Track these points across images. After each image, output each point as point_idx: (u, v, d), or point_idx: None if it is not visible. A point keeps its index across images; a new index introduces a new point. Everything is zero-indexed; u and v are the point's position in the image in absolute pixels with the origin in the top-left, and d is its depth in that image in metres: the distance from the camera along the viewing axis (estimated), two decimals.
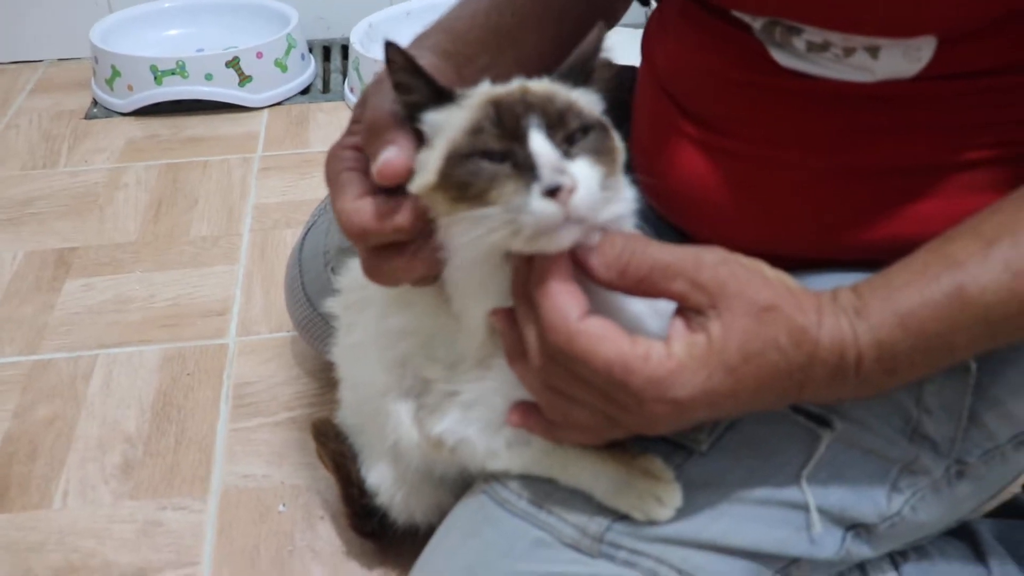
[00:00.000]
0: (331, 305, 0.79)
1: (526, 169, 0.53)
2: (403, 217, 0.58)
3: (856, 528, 0.67)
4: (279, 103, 1.92)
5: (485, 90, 0.59)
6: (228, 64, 1.84)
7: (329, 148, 0.66)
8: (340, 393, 0.87)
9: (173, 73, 1.82)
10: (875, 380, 0.56)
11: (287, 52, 1.91)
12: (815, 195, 0.70)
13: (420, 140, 0.59)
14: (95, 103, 1.92)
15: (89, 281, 1.39)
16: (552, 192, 0.51)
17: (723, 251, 0.56)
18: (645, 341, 0.54)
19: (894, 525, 0.68)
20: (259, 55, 1.86)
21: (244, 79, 1.86)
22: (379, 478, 0.83)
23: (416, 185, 0.57)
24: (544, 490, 0.66)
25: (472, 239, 0.55)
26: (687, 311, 0.56)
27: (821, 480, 0.66)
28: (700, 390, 0.53)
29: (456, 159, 0.55)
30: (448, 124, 0.57)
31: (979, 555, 0.83)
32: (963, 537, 0.84)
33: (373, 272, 0.62)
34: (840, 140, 0.68)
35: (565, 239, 0.53)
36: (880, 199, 0.69)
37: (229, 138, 1.80)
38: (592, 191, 0.53)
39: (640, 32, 0.87)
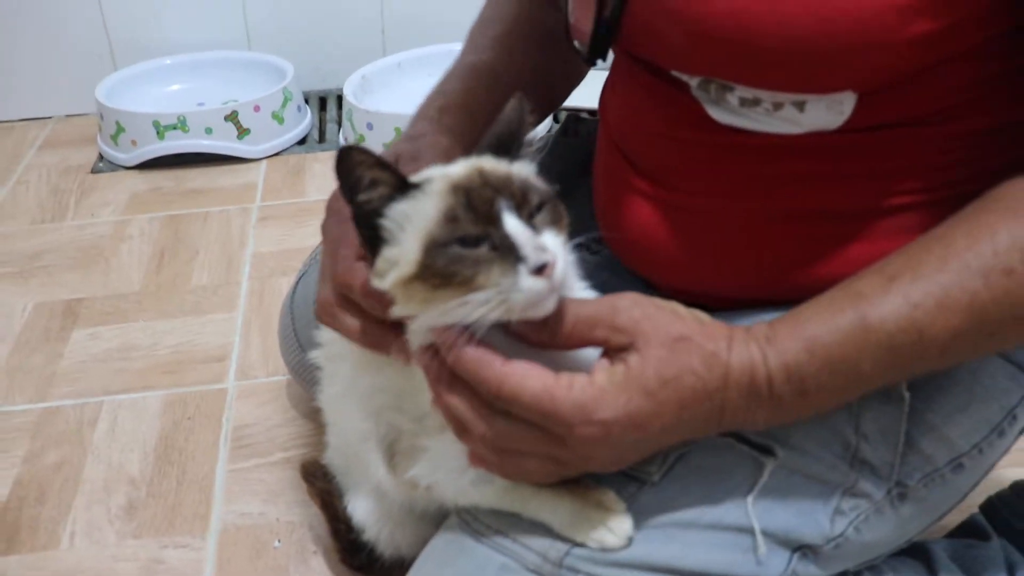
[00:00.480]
0: (315, 356, 0.84)
1: (506, 250, 0.58)
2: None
3: (802, 549, 0.72)
4: (276, 154, 2.00)
5: (441, 175, 0.63)
6: (227, 118, 1.92)
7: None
8: (327, 436, 0.92)
9: (175, 128, 1.89)
10: (789, 401, 0.62)
11: (283, 104, 1.98)
12: (754, 241, 0.76)
13: (374, 242, 0.63)
14: (101, 158, 2.00)
15: (95, 330, 1.45)
16: (539, 270, 0.57)
17: (636, 295, 0.63)
18: (568, 375, 0.60)
19: (839, 546, 0.73)
20: (256, 108, 1.94)
21: (242, 132, 1.94)
22: (365, 515, 0.89)
23: (390, 280, 0.61)
24: (510, 520, 0.71)
25: (459, 319, 0.59)
26: (610, 351, 0.62)
27: (766, 505, 0.70)
28: (623, 411, 0.59)
29: (435, 248, 0.58)
30: (416, 214, 0.60)
31: (932, 574, 0.88)
32: (917, 556, 0.89)
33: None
34: (774, 189, 0.74)
35: (550, 306, 0.60)
36: (813, 243, 0.75)
37: (228, 189, 1.87)
38: (565, 260, 0.60)
39: None
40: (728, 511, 0.70)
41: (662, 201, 0.79)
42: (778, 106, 0.70)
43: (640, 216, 0.81)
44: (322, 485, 0.99)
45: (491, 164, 0.64)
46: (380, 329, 0.69)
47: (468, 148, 0.80)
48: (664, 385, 0.60)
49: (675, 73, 0.74)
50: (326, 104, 2.22)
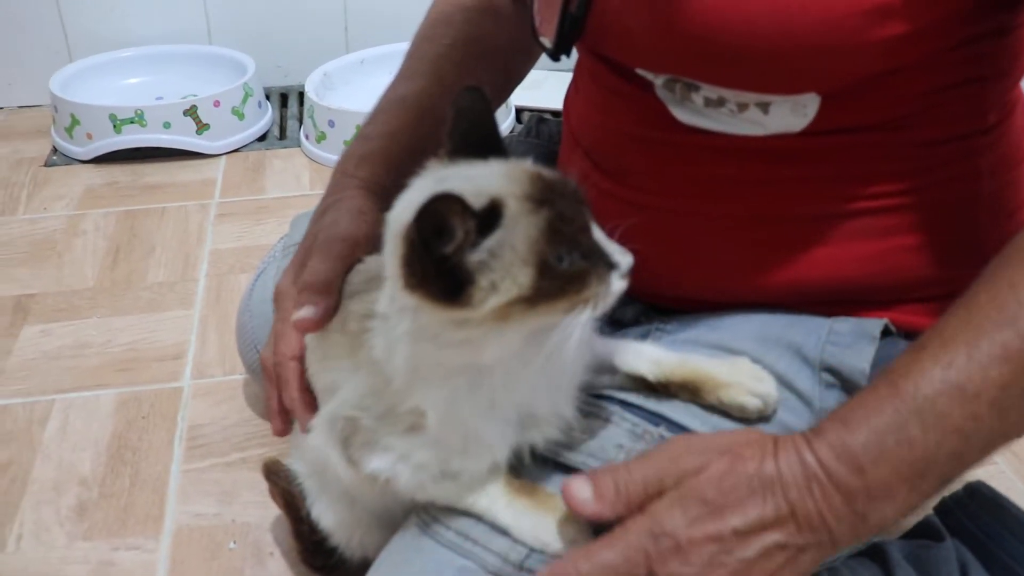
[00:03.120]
0: None
1: (596, 258, 0.60)
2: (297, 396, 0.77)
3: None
4: (236, 150, 1.97)
5: (513, 197, 0.59)
6: (186, 112, 1.89)
7: (282, 282, 0.81)
8: (292, 439, 0.91)
9: (132, 122, 1.86)
10: (852, 483, 0.58)
11: (244, 100, 1.96)
12: (718, 242, 0.76)
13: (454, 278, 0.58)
14: (55, 151, 1.96)
15: (47, 327, 1.42)
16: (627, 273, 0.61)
17: (684, 440, 0.65)
18: None
19: None
20: (216, 103, 1.91)
21: (202, 127, 1.91)
22: (332, 521, 0.87)
23: (487, 307, 0.58)
24: (470, 521, 0.70)
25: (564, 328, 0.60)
26: None
27: None
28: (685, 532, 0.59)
29: (547, 268, 0.58)
30: (512, 241, 0.58)
31: (888, 574, 0.88)
32: (874, 557, 0.90)
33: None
34: (736, 191, 0.74)
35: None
36: (777, 246, 0.75)
37: (187, 185, 1.84)
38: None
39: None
40: None
41: (625, 200, 0.79)
42: (743, 107, 0.70)
43: (602, 215, 0.80)
44: (284, 485, 0.97)
45: (521, 166, 0.63)
46: (283, 412, 0.80)
47: (385, 198, 0.79)
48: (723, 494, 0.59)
49: (640, 72, 0.74)
50: (287, 101, 2.19)
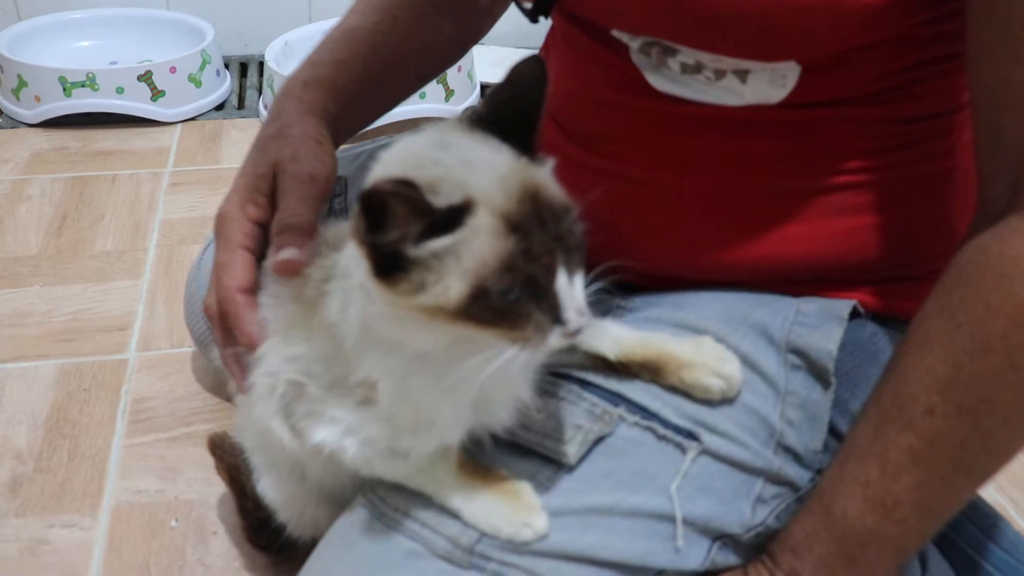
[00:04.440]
0: None
1: (547, 306, 0.54)
2: (253, 330, 0.68)
3: (723, 538, 0.70)
4: (193, 118, 1.91)
5: (488, 206, 0.53)
6: (140, 78, 1.82)
7: (227, 207, 0.73)
8: (236, 414, 0.87)
9: (83, 85, 1.79)
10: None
11: (202, 67, 1.90)
12: (687, 216, 0.73)
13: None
14: (0, 113, 1.89)
15: None
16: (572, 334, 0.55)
17: None
18: None
19: (759, 535, 0.71)
20: (172, 70, 1.85)
21: (157, 93, 1.85)
22: (279, 497, 0.83)
23: (411, 304, 0.54)
24: (420, 502, 0.67)
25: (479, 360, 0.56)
26: None
27: (688, 492, 0.68)
28: None
29: (483, 294, 0.53)
30: (462, 251, 0.53)
31: None
32: None
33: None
34: (710, 163, 0.72)
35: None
36: (749, 221, 0.73)
37: (140, 152, 1.79)
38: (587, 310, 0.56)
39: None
40: (649, 498, 0.67)
41: (594, 168, 0.76)
42: (720, 74, 0.67)
43: (572, 186, 0.78)
44: (230, 460, 0.94)
45: (542, 187, 0.55)
46: (238, 362, 0.70)
47: (333, 128, 0.78)
48: None
49: (616, 34, 0.71)
50: (247, 70, 2.14)
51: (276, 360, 0.68)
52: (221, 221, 0.74)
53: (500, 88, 0.59)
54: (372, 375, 0.62)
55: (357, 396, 0.64)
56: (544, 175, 0.57)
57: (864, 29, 0.64)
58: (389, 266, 0.54)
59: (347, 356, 0.63)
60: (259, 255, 0.72)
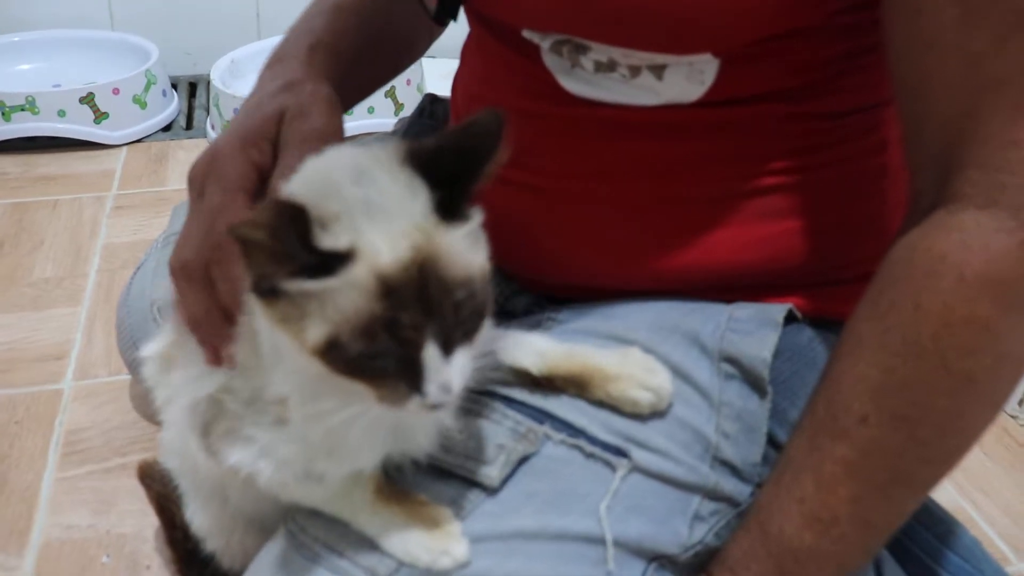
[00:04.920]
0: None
1: (410, 373, 0.51)
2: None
3: (659, 559, 0.67)
4: (139, 140, 1.88)
5: (369, 263, 0.49)
6: (82, 100, 1.78)
7: (223, 147, 0.65)
8: (161, 435, 0.84)
9: (23, 109, 1.75)
10: None
11: (147, 88, 1.86)
12: (609, 226, 0.71)
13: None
14: None
15: None
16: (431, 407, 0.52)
17: None
18: None
19: (698, 555, 0.68)
20: (116, 91, 1.81)
21: (100, 115, 1.81)
22: (205, 523, 0.80)
23: (276, 329, 0.51)
24: (338, 530, 0.64)
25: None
26: None
27: (619, 513, 0.65)
28: None
29: (338, 347, 0.50)
30: (329, 299, 0.49)
31: None
32: None
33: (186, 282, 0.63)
34: (628, 170, 0.69)
35: None
36: (672, 228, 0.70)
37: (83, 176, 1.75)
38: (462, 384, 0.52)
39: None
40: (577, 519, 0.64)
41: (515, 182, 0.73)
42: (635, 71, 0.65)
43: (491, 199, 0.75)
44: (160, 488, 0.90)
45: (433, 239, 0.51)
46: (221, 319, 0.61)
47: (338, 94, 0.72)
48: None
49: (527, 34, 0.68)
50: (196, 91, 2.10)
51: (197, 375, 0.65)
52: (214, 160, 0.65)
53: (454, 133, 0.54)
54: (283, 391, 0.59)
55: (272, 414, 0.61)
56: (452, 241, 0.52)
57: (778, 17, 0.61)
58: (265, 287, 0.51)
59: (264, 367, 0.59)
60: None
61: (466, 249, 0.52)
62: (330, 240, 0.49)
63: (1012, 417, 1.21)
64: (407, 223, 0.50)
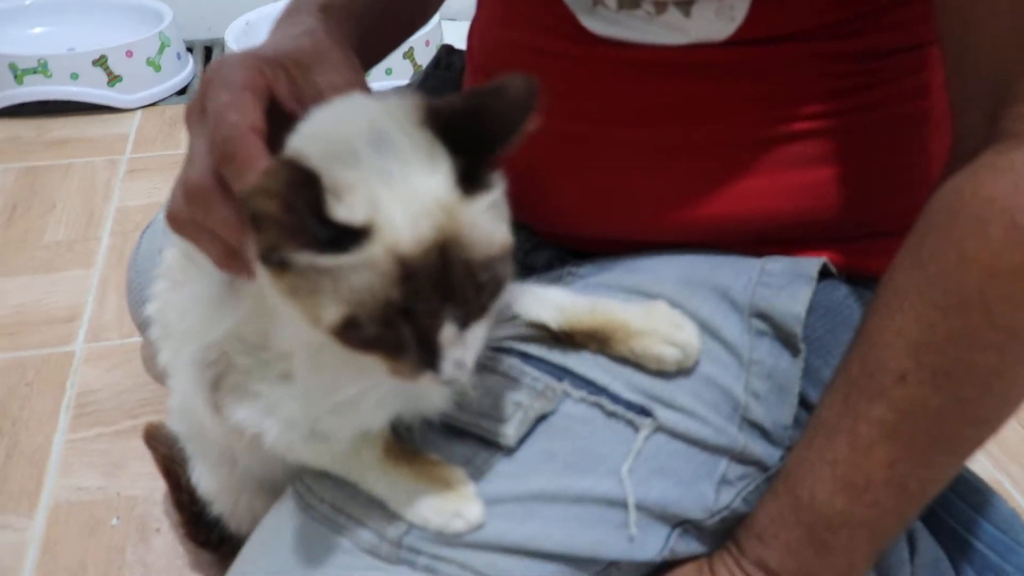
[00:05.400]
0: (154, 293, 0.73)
1: (425, 349, 0.48)
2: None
3: (684, 525, 0.64)
4: (153, 104, 1.85)
5: (387, 242, 0.45)
6: (95, 63, 1.76)
7: (232, 58, 0.58)
8: (169, 400, 0.81)
9: (35, 72, 1.73)
10: None
11: (160, 51, 1.84)
12: (634, 174, 0.68)
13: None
14: None
15: None
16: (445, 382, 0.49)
17: None
18: None
19: (724, 520, 0.65)
20: (129, 54, 1.79)
21: (113, 79, 1.78)
22: (212, 486, 0.78)
23: (283, 301, 0.49)
24: (346, 491, 0.61)
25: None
26: None
27: (642, 475, 0.62)
28: None
29: (354, 325, 0.47)
30: (344, 277, 0.46)
31: None
32: None
33: (185, 206, 0.55)
34: (654, 114, 0.66)
35: None
36: (700, 176, 0.67)
37: (96, 140, 1.73)
38: (474, 358, 0.50)
39: None
40: (598, 481, 0.61)
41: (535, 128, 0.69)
42: (661, 7, 0.61)
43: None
44: (165, 451, 0.89)
45: (455, 216, 0.47)
46: (242, 230, 0.52)
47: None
48: None
49: None
50: (211, 54, 2.07)
51: (207, 328, 0.62)
52: (217, 70, 0.58)
53: (481, 95, 0.49)
54: (290, 345, 0.56)
55: (277, 369, 0.58)
56: (475, 215, 0.48)
57: None
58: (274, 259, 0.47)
59: (270, 312, 0.56)
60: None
61: (488, 223, 0.49)
62: (345, 212, 0.45)
63: None
64: (429, 198, 0.46)
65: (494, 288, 0.50)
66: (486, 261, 0.48)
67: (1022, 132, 0.51)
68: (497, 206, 0.50)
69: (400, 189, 0.46)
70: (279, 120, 0.56)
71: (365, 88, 0.62)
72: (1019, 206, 0.51)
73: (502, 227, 0.50)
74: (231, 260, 0.54)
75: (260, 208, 0.44)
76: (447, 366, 0.48)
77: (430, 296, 0.47)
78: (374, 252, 0.45)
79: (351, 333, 0.47)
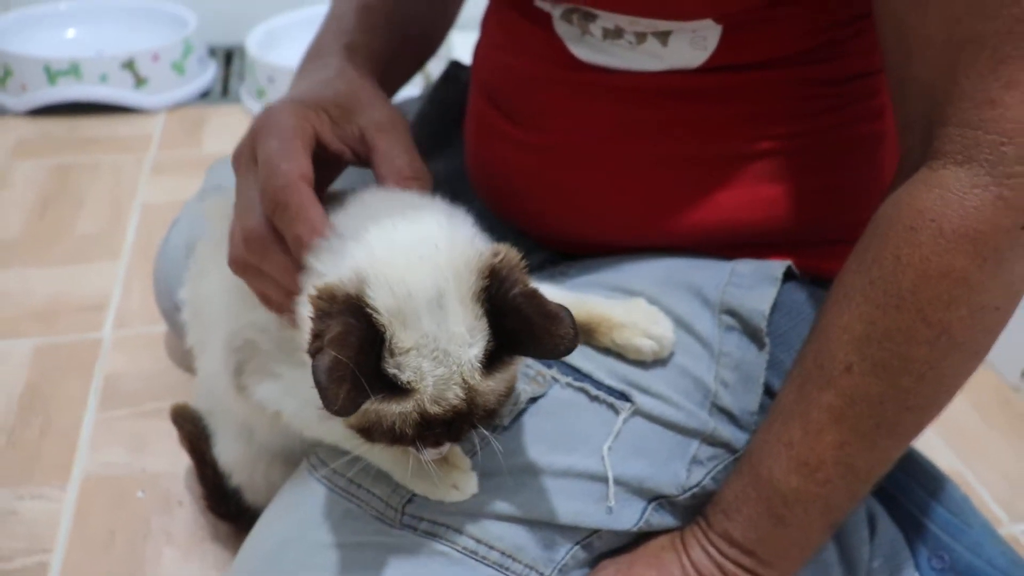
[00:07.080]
0: (183, 294, 0.81)
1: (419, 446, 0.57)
2: (321, 215, 0.59)
3: (658, 500, 0.71)
4: (177, 106, 1.93)
5: (419, 403, 0.54)
6: (123, 66, 1.84)
7: (280, 105, 0.66)
8: (196, 380, 0.89)
9: (67, 74, 1.81)
10: (743, 562, 0.69)
11: (185, 55, 1.91)
12: (620, 186, 0.74)
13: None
14: None
15: None
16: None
17: (612, 564, 0.71)
18: None
19: (696, 497, 0.72)
20: (155, 57, 1.87)
21: (140, 81, 1.86)
22: (231, 459, 0.85)
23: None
24: (360, 463, 0.68)
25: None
26: None
27: (621, 453, 0.69)
28: None
29: (366, 432, 0.57)
30: (371, 407, 0.54)
31: None
32: None
33: (245, 252, 0.63)
34: (636, 132, 0.73)
35: None
36: (681, 189, 0.74)
37: (123, 139, 1.80)
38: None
39: None
40: (581, 458, 0.68)
41: (527, 144, 0.77)
42: (641, 38, 0.68)
43: (507, 161, 0.79)
44: (191, 429, 0.96)
45: (478, 385, 0.55)
46: (295, 275, 0.60)
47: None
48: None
49: (539, 3, 0.72)
50: (232, 59, 2.15)
51: (236, 317, 0.70)
52: (267, 119, 0.63)
53: (543, 312, 0.54)
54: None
55: (297, 357, 0.65)
56: (492, 385, 0.56)
57: None
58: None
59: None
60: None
61: (500, 384, 0.57)
62: (394, 369, 0.53)
63: (1015, 391, 1.23)
64: (460, 375, 0.54)
65: (493, 415, 0.58)
66: (490, 410, 0.57)
67: (950, 151, 0.58)
68: (512, 374, 0.58)
69: (442, 362, 0.54)
70: (324, 161, 0.65)
71: (402, 121, 0.69)
72: (946, 216, 0.58)
73: (510, 382, 0.58)
74: (287, 301, 0.61)
75: (332, 362, 0.50)
76: (432, 455, 0.58)
77: (438, 436, 0.56)
78: (406, 407, 0.54)
79: (362, 432, 0.57)
